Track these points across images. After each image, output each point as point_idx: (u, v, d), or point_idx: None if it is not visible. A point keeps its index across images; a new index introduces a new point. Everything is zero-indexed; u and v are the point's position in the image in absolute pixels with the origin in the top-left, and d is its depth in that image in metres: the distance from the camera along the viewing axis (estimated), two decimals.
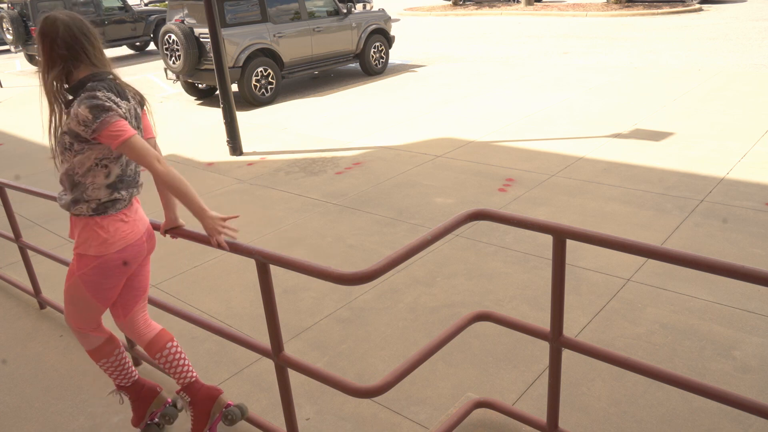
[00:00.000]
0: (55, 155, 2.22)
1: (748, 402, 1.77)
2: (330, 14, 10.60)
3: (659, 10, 17.75)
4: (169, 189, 2.15)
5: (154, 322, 2.55)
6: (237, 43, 9.18)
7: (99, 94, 2.05)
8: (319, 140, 7.31)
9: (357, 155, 6.57)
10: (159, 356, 2.45)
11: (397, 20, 12.99)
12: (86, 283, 2.26)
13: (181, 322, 3.49)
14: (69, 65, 2.09)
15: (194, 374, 2.51)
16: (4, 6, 15.24)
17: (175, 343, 2.49)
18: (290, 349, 3.18)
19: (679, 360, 2.91)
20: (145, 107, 2.34)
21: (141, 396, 2.64)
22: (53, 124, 2.16)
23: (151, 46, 18.14)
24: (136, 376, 2.65)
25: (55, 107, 2.14)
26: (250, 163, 6.61)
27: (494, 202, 4.98)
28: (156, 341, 2.46)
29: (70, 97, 2.14)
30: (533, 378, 2.88)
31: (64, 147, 2.15)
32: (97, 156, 2.16)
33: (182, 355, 2.50)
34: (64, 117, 2.13)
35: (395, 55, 13.05)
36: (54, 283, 4.18)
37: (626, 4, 19.50)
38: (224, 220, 2.23)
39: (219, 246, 2.21)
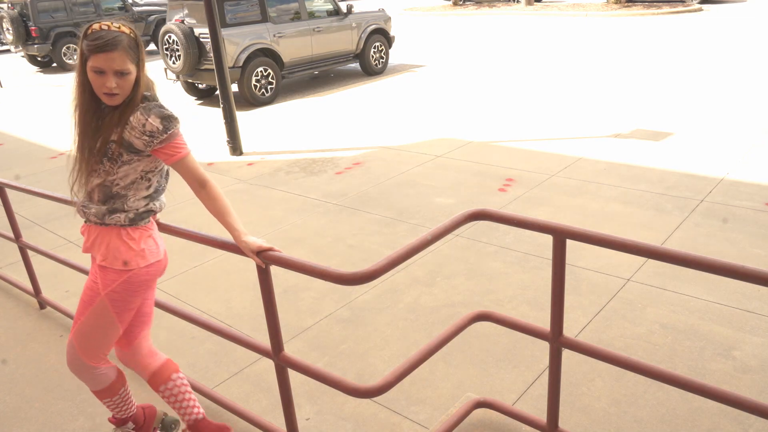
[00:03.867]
0: (80, 165, 2.07)
1: (748, 402, 1.77)
2: (330, 14, 10.60)
3: (659, 10, 17.75)
4: (213, 208, 2.09)
5: (158, 351, 2.42)
6: (237, 43, 9.18)
7: (162, 104, 2.02)
8: (319, 140, 7.30)
9: (357, 155, 6.57)
10: (163, 389, 2.32)
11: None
12: (113, 302, 2.12)
13: (181, 322, 3.49)
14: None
15: (201, 411, 2.39)
16: (4, 6, 15.24)
17: (181, 375, 2.37)
18: (290, 349, 3.18)
19: (679, 360, 2.91)
20: None
21: (144, 423, 2.53)
22: (88, 134, 2.03)
23: (151, 46, 18.13)
24: (135, 406, 2.52)
25: (89, 115, 2.02)
26: (250, 163, 6.61)
27: (494, 202, 4.98)
28: (161, 372, 2.32)
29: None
30: (533, 378, 2.88)
31: (107, 156, 2.02)
32: (144, 168, 2.09)
33: (188, 388, 2.38)
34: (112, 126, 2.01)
35: (395, 55, 13.05)
36: (54, 283, 4.18)
37: (626, 4, 19.49)
38: (259, 251, 2.03)
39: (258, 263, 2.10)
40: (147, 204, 2.16)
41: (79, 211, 2.17)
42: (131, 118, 1.98)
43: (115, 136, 2.00)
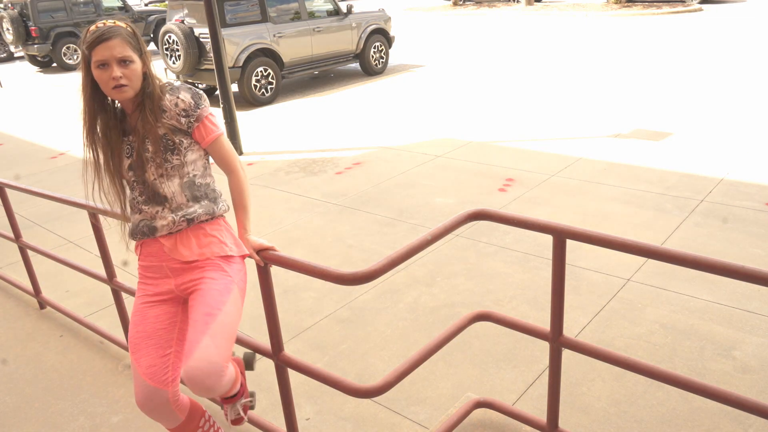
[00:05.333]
0: (111, 181, 1.99)
1: (748, 402, 1.77)
2: (330, 14, 10.60)
3: (659, 10, 17.75)
4: (236, 198, 2.06)
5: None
6: (237, 43, 9.18)
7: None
8: (319, 140, 7.30)
9: (357, 155, 6.57)
10: (203, 423, 2.18)
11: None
12: (242, 291, 2.02)
13: None
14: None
15: None
16: (1, 5, 15.24)
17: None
18: (290, 349, 3.18)
19: (679, 360, 2.91)
20: None
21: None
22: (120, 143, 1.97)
23: (151, 46, 18.13)
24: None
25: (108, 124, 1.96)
26: (250, 163, 6.61)
27: (494, 202, 4.98)
28: (195, 405, 2.15)
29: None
30: (533, 378, 2.88)
31: (168, 148, 1.95)
32: (201, 150, 2.05)
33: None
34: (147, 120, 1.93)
35: (395, 55, 13.05)
36: (54, 283, 4.18)
37: (626, 3, 19.49)
38: (259, 249, 2.05)
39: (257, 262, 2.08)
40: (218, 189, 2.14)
41: (155, 229, 2.00)
42: (163, 103, 1.95)
43: (162, 129, 1.94)
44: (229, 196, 2.13)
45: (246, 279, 2.10)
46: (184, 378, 1.84)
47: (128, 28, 1.93)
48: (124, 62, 1.87)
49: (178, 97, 1.95)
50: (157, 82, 1.98)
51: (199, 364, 1.79)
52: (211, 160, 2.11)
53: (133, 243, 2.12)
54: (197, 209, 2.02)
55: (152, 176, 1.98)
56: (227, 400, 2.19)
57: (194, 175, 2.04)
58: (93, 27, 1.90)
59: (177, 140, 1.97)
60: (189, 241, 2.01)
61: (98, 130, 1.98)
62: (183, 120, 1.96)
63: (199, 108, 1.97)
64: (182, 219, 2.00)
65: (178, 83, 2.02)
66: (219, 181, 2.15)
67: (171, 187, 1.99)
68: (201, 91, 2.02)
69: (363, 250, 4.35)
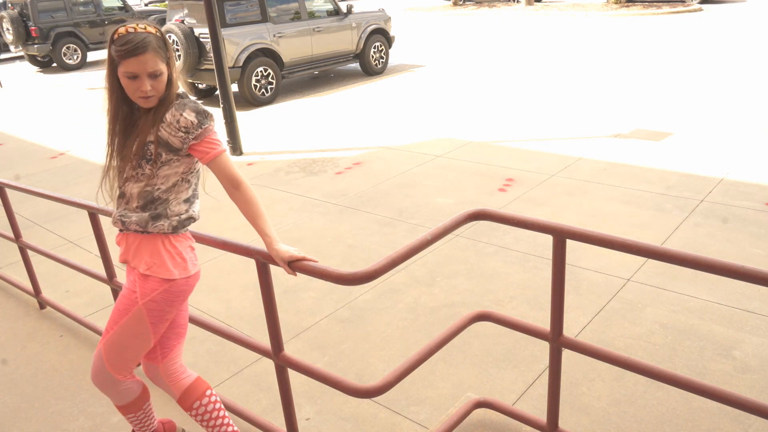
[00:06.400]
0: (110, 170, 2.05)
1: (748, 402, 1.77)
2: (330, 14, 10.60)
3: (659, 10, 17.75)
4: (251, 210, 2.02)
5: (188, 368, 2.32)
6: (237, 43, 9.18)
7: (196, 101, 2.03)
8: (319, 140, 7.30)
9: (357, 155, 6.57)
10: (198, 405, 2.22)
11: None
12: (150, 312, 2.05)
13: None
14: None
15: (236, 430, 2.31)
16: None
17: (213, 393, 2.28)
18: (290, 349, 3.18)
19: (679, 360, 2.91)
20: None
21: None
22: (122, 139, 2.02)
23: None
24: (156, 420, 2.46)
25: (122, 120, 2.01)
26: (250, 163, 6.61)
27: (494, 202, 4.98)
28: (193, 389, 2.23)
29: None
30: (533, 378, 2.88)
31: (145, 158, 1.98)
32: (184, 170, 2.06)
33: (221, 406, 2.28)
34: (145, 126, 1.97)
35: (395, 55, 13.05)
36: (54, 283, 4.18)
37: (626, 3, 19.49)
38: (291, 260, 1.98)
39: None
40: (188, 210, 2.11)
41: (116, 222, 2.09)
42: (166, 116, 1.95)
43: (151, 136, 1.96)
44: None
45: (162, 300, 2.08)
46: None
47: (158, 34, 1.93)
48: (154, 75, 1.90)
49: (181, 114, 1.94)
50: (175, 90, 2.00)
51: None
52: (198, 185, 2.17)
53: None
54: (135, 219, 2.05)
55: (126, 173, 2.03)
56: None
57: (158, 189, 2.04)
58: (123, 30, 1.88)
59: (157, 152, 1.98)
60: (131, 246, 2.10)
61: (117, 126, 2.02)
62: (180, 135, 1.95)
63: (201, 127, 1.96)
64: (136, 225, 2.05)
65: (187, 99, 2.01)
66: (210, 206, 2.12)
67: (132, 190, 2.05)
68: (208, 111, 2.01)
69: (363, 250, 4.35)
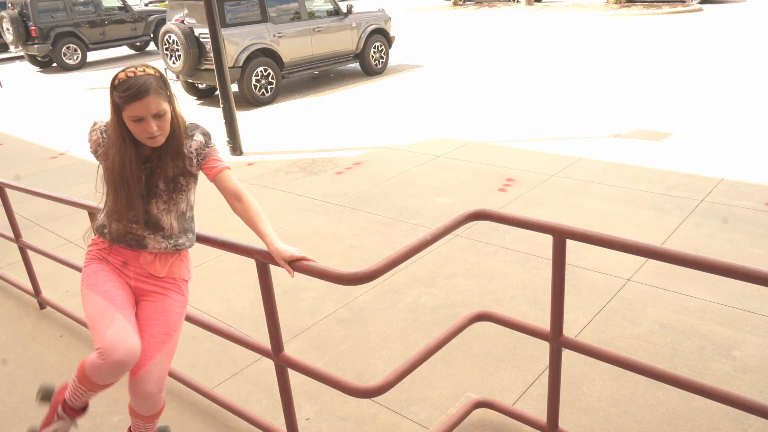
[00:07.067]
0: (141, 206, 2.09)
1: (748, 402, 1.77)
2: (330, 14, 10.60)
3: (659, 10, 17.75)
4: (253, 216, 2.09)
5: None
6: (237, 43, 9.18)
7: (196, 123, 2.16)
8: (319, 140, 7.31)
9: (357, 155, 6.57)
10: (149, 426, 2.29)
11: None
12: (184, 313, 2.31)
13: None
14: None
15: None
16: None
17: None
18: (290, 349, 3.18)
19: (679, 360, 2.91)
20: None
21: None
22: (140, 180, 2.07)
23: (151, 46, 18.14)
24: None
25: (136, 163, 2.05)
26: (250, 163, 6.61)
27: (494, 202, 4.98)
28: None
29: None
30: (533, 378, 2.88)
31: (179, 189, 2.13)
32: (194, 189, 2.23)
33: None
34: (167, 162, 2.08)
35: (395, 55, 13.05)
36: (54, 283, 4.18)
37: (626, 3, 19.49)
38: (291, 259, 2.01)
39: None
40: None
41: (158, 246, 2.15)
42: (184, 150, 2.08)
43: (175, 171, 2.09)
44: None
45: None
46: (132, 387, 2.06)
47: (156, 74, 1.99)
48: (159, 116, 1.97)
49: (193, 139, 2.09)
50: (180, 124, 2.08)
51: (151, 376, 2.05)
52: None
53: (93, 236, 2.25)
54: (185, 242, 2.22)
55: (155, 209, 2.13)
56: (73, 413, 2.25)
57: (185, 211, 2.21)
58: (122, 75, 1.94)
59: (184, 182, 2.14)
60: (167, 262, 2.22)
61: (117, 164, 2.05)
62: (194, 160, 2.09)
63: (208, 146, 2.11)
64: (174, 248, 2.19)
65: (192, 124, 2.13)
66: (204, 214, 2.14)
67: (169, 220, 2.16)
68: (208, 130, 2.16)
69: (363, 250, 4.35)
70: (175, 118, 2.05)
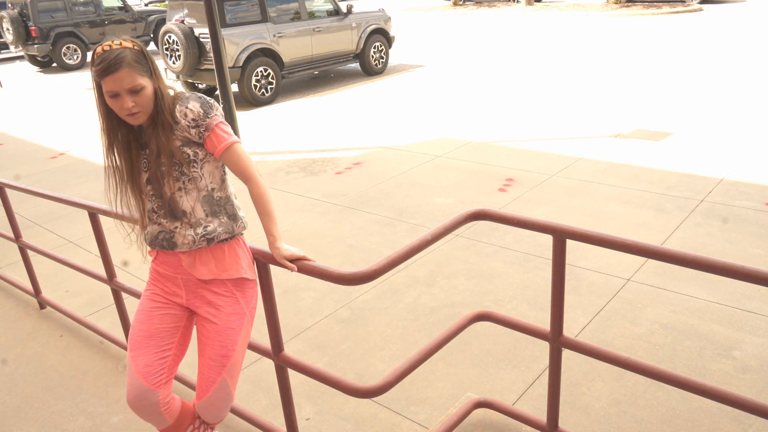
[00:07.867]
0: (126, 191, 1.97)
1: (748, 402, 1.77)
2: (330, 14, 10.60)
3: (659, 10, 17.75)
4: (259, 206, 2.00)
5: None
6: (237, 43, 9.18)
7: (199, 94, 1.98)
8: (319, 140, 7.31)
9: (357, 155, 6.57)
10: (192, 429, 2.18)
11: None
12: (252, 317, 2.08)
13: None
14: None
15: None
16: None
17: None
18: (290, 349, 3.18)
19: (679, 360, 2.91)
20: None
21: None
22: (140, 158, 1.94)
23: (151, 46, 18.13)
24: None
25: (130, 140, 1.93)
26: None
27: (494, 202, 4.98)
28: (185, 412, 2.15)
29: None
30: (533, 378, 2.88)
31: (184, 161, 1.91)
32: (215, 163, 2.00)
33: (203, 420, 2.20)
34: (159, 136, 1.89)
35: (395, 55, 13.05)
36: (54, 283, 4.18)
37: (626, 3, 19.49)
38: (291, 258, 1.98)
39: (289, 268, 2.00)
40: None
41: (189, 239, 1.97)
42: (175, 115, 1.90)
43: (175, 142, 1.90)
44: (250, 207, 2.09)
45: (257, 301, 2.11)
46: (200, 409, 2.09)
47: (135, 48, 1.84)
48: (134, 91, 1.82)
49: (186, 107, 1.90)
50: (170, 95, 1.93)
51: (217, 402, 2.06)
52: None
53: (147, 248, 2.11)
54: (216, 227, 1.99)
55: (169, 190, 1.95)
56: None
57: (212, 189, 2.00)
58: (99, 49, 1.83)
59: (192, 152, 1.93)
60: (208, 260, 2.01)
61: (115, 148, 1.95)
62: (193, 131, 1.91)
63: (208, 117, 1.91)
64: (202, 239, 1.97)
65: (189, 93, 1.96)
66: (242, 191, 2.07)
67: (189, 202, 1.96)
68: (212, 101, 1.96)
69: (363, 250, 4.35)
70: (161, 92, 1.89)
